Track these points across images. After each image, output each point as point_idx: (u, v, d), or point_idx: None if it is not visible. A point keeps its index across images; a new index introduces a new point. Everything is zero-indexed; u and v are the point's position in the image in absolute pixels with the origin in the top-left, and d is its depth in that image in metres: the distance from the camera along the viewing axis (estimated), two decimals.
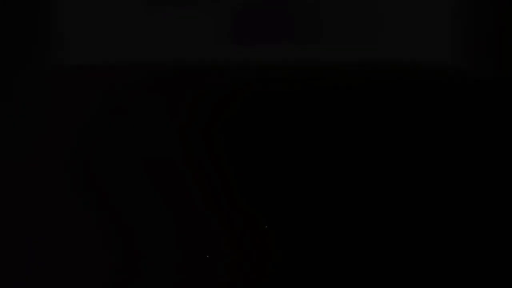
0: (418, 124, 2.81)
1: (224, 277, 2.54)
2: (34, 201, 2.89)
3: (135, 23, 2.91)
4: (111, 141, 2.89)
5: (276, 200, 2.83)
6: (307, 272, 2.62)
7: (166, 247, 2.75)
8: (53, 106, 2.89)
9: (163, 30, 2.93)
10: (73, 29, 2.92)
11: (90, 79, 2.90)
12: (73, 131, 2.88)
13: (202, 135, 2.84)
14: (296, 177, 2.80)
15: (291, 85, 2.82)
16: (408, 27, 2.89)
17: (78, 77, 2.91)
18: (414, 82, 2.77)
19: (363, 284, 2.54)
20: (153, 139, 2.86)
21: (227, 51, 2.91)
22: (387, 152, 2.79)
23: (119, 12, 2.90)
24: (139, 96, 2.87)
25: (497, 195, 2.75)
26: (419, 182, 2.78)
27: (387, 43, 2.91)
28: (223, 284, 2.47)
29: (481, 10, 2.77)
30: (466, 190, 2.77)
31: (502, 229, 2.72)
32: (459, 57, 2.79)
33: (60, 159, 2.88)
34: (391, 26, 2.90)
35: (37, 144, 2.89)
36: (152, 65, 2.91)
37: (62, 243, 2.81)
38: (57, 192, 2.86)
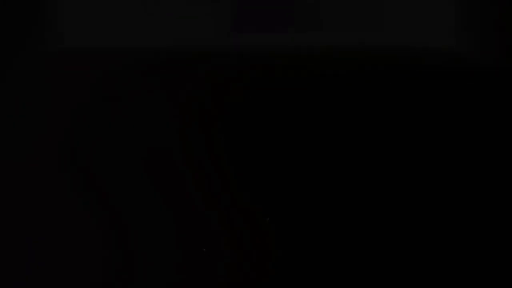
0: (421, 111, 2.79)
1: (224, 277, 2.54)
2: (24, 192, 2.88)
3: (133, 7, 2.87)
4: (106, 129, 2.87)
5: (277, 196, 2.82)
6: (307, 272, 2.62)
7: (165, 246, 2.75)
8: (48, 91, 2.87)
9: (161, 16, 2.90)
10: (71, 14, 2.89)
11: (86, 65, 2.87)
12: (67, 117, 2.85)
13: (200, 124, 2.81)
14: (298, 167, 2.79)
15: (292, 72, 2.80)
16: (411, 12, 2.87)
17: (73, 62, 2.88)
18: (417, 68, 2.75)
19: (364, 284, 2.54)
20: (150, 128, 2.83)
21: (226, 38, 2.88)
22: (390, 138, 2.77)
23: None
24: (136, 82, 2.84)
25: (501, 181, 2.75)
26: (424, 169, 2.77)
27: (390, 28, 2.89)
28: (223, 284, 2.48)
29: None
30: (470, 174, 2.76)
31: (504, 227, 2.72)
32: (463, 42, 2.78)
33: (53, 147, 2.86)
34: (394, 11, 2.88)
35: (30, 131, 2.87)
36: (150, 51, 2.89)
37: (56, 241, 2.81)
38: (49, 183, 2.84)
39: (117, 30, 2.93)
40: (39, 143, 2.89)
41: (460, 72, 2.80)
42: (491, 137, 2.77)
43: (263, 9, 2.89)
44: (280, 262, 2.66)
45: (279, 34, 2.97)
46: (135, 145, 2.88)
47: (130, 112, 2.89)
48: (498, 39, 2.79)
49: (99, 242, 2.77)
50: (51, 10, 2.88)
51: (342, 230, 2.81)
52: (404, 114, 2.84)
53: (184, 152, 2.85)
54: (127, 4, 2.91)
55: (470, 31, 2.84)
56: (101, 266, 2.66)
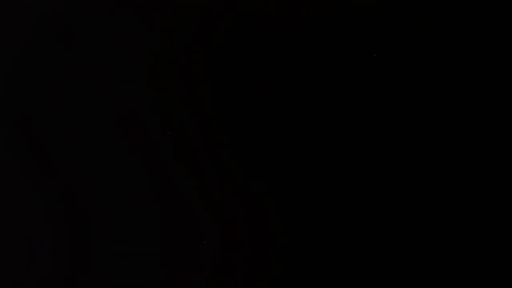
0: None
1: (222, 274, 2.43)
2: None
3: None
4: (58, 84, 2.56)
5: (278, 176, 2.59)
6: (308, 271, 2.55)
7: (158, 244, 2.51)
8: None
9: None
10: None
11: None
12: (8, 63, 2.55)
13: (179, 75, 2.49)
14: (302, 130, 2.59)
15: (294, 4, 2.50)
16: None
17: None
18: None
19: (365, 284, 2.54)
20: (114, 79, 2.53)
21: None
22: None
23: None
24: (102, 17, 2.50)
25: None
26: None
27: None
28: (222, 283, 2.37)
29: None
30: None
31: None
32: None
33: None
34: None
35: None
36: None
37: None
38: None
39: None
40: None
41: None
42: None
43: None
44: (280, 260, 2.55)
45: None
46: (97, 101, 2.58)
47: (91, 56, 2.57)
48: None
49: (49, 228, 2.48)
50: None
51: (343, 228, 2.67)
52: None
53: (162, 110, 2.55)
54: None
55: None
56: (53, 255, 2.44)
